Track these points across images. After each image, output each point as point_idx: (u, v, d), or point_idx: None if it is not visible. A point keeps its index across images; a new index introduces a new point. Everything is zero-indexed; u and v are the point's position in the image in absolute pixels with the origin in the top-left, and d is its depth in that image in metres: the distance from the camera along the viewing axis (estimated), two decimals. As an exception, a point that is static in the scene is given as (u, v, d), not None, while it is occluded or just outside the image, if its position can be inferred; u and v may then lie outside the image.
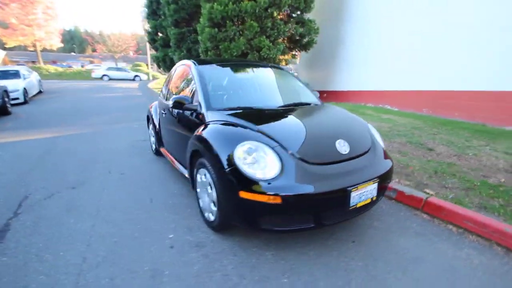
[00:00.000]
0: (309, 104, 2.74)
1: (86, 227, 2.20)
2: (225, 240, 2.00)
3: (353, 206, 1.79)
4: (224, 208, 1.90)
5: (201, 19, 8.62)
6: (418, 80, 6.88)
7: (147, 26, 15.12)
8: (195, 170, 2.27)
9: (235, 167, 1.78)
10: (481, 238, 2.07)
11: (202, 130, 2.19)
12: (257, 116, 2.30)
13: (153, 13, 14.25)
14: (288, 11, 7.79)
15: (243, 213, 1.81)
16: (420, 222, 2.32)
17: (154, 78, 27.44)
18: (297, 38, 8.43)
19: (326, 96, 10.31)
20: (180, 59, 11.61)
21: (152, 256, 1.81)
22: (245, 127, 2.05)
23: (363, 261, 1.80)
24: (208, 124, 2.24)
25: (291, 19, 8.03)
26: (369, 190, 1.85)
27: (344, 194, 1.73)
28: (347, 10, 8.80)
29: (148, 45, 19.37)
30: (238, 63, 3.26)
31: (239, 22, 7.74)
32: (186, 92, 2.95)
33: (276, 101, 2.81)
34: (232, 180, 1.78)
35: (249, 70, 3.09)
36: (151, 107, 4.15)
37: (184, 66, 3.17)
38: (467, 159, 3.49)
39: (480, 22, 5.50)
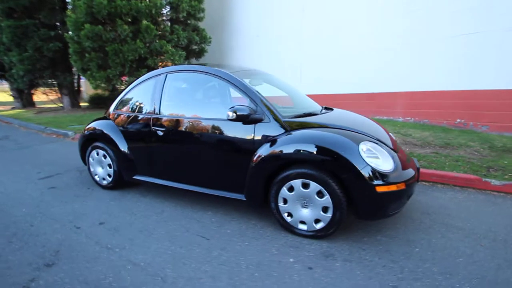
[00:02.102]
0: (322, 107, 2.98)
1: None
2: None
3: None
4: (361, 207, 1.96)
5: (68, 12, 6.68)
6: (324, 85, 8.63)
7: None
8: (276, 183, 2.12)
9: (367, 166, 1.89)
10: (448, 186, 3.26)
11: (293, 139, 2.08)
12: (331, 119, 2.43)
13: None
14: (185, 16, 7.48)
15: (378, 205, 1.95)
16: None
17: None
18: (193, 46, 8.26)
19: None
20: (22, 61, 8.35)
21: None
22: (343, 129, 2.16)
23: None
24: (291, 132, 2.14)
25: (187, 26, 7.77)
26: None
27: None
28: (233, 22, 9.53)
29: None
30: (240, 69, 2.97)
31: (132, 22, 6.68)
32: (207, 104, 2.72)
33: (313, 104, 2.93)
34: (367, 179, 1.87)
35: (261, 75, 3.00)
36: (97, 130, 3.07)
37: (192, 73, 2.68)
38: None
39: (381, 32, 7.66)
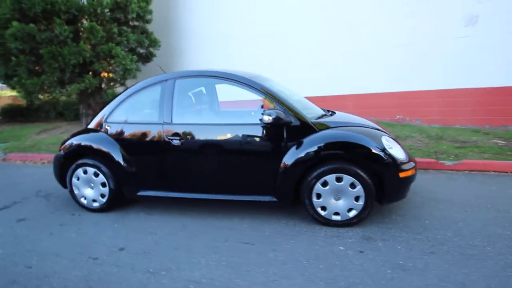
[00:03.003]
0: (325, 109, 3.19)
1: None
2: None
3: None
4: (388, 192, 2.25)
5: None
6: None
7: None
8: (310, 180, 2.25)
9: (391, 156, 2.21)
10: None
11: (326, 138, 2.27)
12: (346, 118, 2.67)
13: None
14: (134, 18, 6.83)
15: (399, 189, 2.28)
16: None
17: None
18: (141, 50, 7.63)
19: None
20: None
21: None
22: (363, 126, 2.44)
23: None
24: (322, 132, 2.31)
25: (135, 29, 7.12)
26: None
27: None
28: (182, 24, 9.16)
29: None
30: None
31: (72, 22, 5.80)
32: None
33: (316, 107, 3.04)
34: (392, 166, 2.19)
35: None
36: (84, 145, 2.67)
37: (205, 78, 2.59)
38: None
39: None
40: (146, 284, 1.77)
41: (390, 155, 2.23)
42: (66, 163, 2.79)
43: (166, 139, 2.50)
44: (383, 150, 2.24)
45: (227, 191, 2.53)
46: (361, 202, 2.27)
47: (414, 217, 2.48)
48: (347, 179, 2.24)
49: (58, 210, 2.93)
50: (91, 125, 2.85)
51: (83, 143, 2.71)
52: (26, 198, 3.30)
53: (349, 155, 2.25)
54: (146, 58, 7.95)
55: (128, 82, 7.62)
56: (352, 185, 2.25)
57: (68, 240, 2.32)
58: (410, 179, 2.33)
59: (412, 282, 1.68)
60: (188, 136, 2.49)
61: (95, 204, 2.79)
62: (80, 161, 2.73)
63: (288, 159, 2.32)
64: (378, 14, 6.00)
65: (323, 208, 2.35)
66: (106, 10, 6.18)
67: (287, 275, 1.79)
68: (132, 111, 2.70)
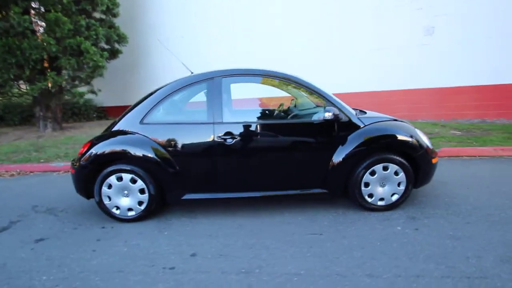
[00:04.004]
0: None
1: None
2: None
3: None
4: (421, 177, 2.57)
5: None
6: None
7: None
8: (360, 170, 2.47)
9: (426, 145, 2.55)
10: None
11: (376, 131, 2.51)
12: (378, 113, 2.90)
13: None
14: (104, 11, 6.09)
15: (431, 173, 2.62)
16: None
17: None
18: (106, 46, 6.90)
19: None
20: None
21: None
22: (397, 120, 2.72)
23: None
24: (370, 127, 2.53)
25: (103, 23, 6.38)
26: None
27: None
28: (150, 20, 8.54)
29: None
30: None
31: (35, 11, 4.97)
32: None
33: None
34: (428, 154, 2.55)
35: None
36: (119, 149, 2.42)
37: (253, 77, 2.59)
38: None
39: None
40: (249, 283, 1.74)
41: (425, 144, 2.59)
42: (93, 172, 2.47)
43: (218, 138, 2.43)
44: (419, 140, 2.58)
45: (278, 187, 2.59)
46: (402, 187, 2.58)
47: (435, 197, 2.90)
48: (392, 167, 2.52)
49: (80, 225, 2.57)
50: (119, 127, 2.57)
51: (117, 148, 2.44)
52: (25, 216, 2.80)
53: (394, 146, 2.53)
54: (112, 55, 7.28)
55: (96, 81, 6.89)
56: (396, 173, 2.55)
57: (122, 254, 2.09)
58: (435, 164, 2.72)
59: (471, 246, 2.02)
60: (240, 135, 2.47)
61: (131, 213, 2.54)
62: (112, 168, 2.45)
63: (340, 153, 2.50)
64: (352, 22, 6.63)
65: (370, 196, 2.59)
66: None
67: (373, 257, 1.96)
68: (174, 111, 2.54)
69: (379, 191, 2.58)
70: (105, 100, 8.90)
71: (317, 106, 3.27)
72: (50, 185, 3.79)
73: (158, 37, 8.45)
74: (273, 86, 3.24)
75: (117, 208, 2.54)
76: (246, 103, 3.65)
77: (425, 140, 2.65)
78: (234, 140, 2.45)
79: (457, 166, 3.99)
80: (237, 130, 2.47)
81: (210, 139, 2.45)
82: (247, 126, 2.48)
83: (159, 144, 2.47)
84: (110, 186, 2.49)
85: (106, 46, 6.95)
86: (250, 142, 2.50)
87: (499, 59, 5.80)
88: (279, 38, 7.21)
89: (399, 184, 2.57)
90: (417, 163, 2.57)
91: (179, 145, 2.48)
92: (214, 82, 2.52)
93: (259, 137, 2.52)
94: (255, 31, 7.40)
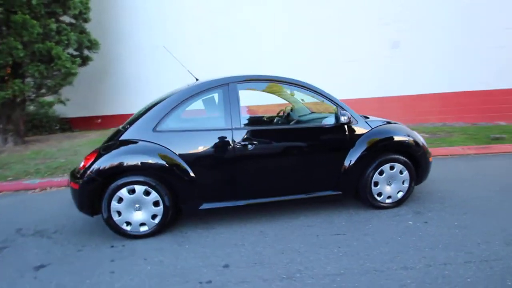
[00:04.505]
0: None
1: None
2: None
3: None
4: (421, 174, 2.80)
5: None
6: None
7: None
8: (370, 171, 2.62)
9: (424, 145, 2.79)
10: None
11: (386, 132, 2.71)
12: (378, 119, 3.03)
13: None
14: (76, 15, 5.59)
15: (428, 170, 2.85)
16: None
17: None
18: (75, 52, 6.37)
19: (102, 121, 8.78)
20: None
21: None
22: (396, 123, 2.93)
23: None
24: (378, 129, 2.72)
25: (73, 27, 5.86)
26: None
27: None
28: (123, 29, 8.09)
29: None
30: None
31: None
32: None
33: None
34: (426, 152, 2.78)
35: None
36: (131, 160, 2.26)
37: (261, 83, 2.61)
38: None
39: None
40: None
41: (424, 144, 2.84)
42: (101, 185, 2.25)
43: (238, 144, 2.40)
44: (418, 140, 2.82)
45: (296, 191, 2.62)
46: (406, 185, 2.78)
47: (428, 193, 3.16)
48: (398, 166, 2.72)
49: (84, 246, 2.31)
50: (128, 137, 2.40)
51: (130, 158, 2.26)
52: (11, 241, 2.43)
53: (400, 147, 2.73)
54: (82, 62, 6.77)
55: (64, 90, 6.32)
56: (400, 172, 2.74)
57: (147, 273, 1.92)
58: (432, 162, 3.00)
59: (477, 233, 2.25)
60: (259, 141, 2.46)
61: (143, 229, 2.36)
62: (123, 180, 2.26)
63: (352, 155, 2.63)
64: (327, 34, 7.06)
65: (379, 194, 2.74)
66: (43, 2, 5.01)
67: (399, 250, 2.08)
68: (188, 117, 2.44)
69: (387, 189, 2.75)
70: (70, 111, 8.17)
71: (313, 112, 3.43)
72: (27, 205, 3.34)
73: (130, 44, 8.11)
74: (276, 92, 3.33)
75: (128, 223, 2.34)
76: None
77: (422, 140, 2.91)
78: (254, 145, 2.44)
79: (435, 165, 4.40)
80: (256, 135, 2.47)
81: (230, 145, 2.41)
82: (265, 132, 2.50)
83: (175, 152, 2.35)
84: (120, 200, 2.29)
85: (75, 53, 6.43)
86: (269, 147, 2.51)
87: (455, 70, 6.62)
88: (259, 44, 7.37)
89: (403, 182, 2.77)
90: (418, 162, 2.80)
91: (197, 153, 2.39)
92: (230, 88, 2.50)
93: (277, 142, 2.54)
94: (234, 38, 7.47)
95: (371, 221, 2.57)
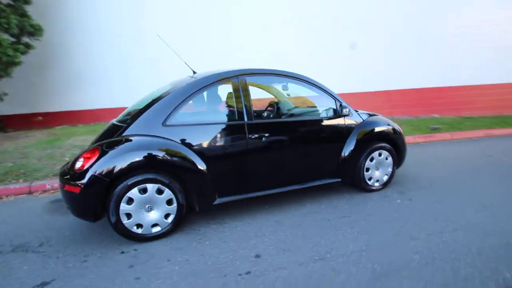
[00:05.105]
0: None
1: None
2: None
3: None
4: (400, 158, 3.19)
5: None
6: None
7: None
8: (363, 158, 2.91)
9: (401, 131, 3.20)
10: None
11: (376, 123, 3.03)
12: (364, 111, 3.32)
13: None
14: None
15: (405, 155, 3.27)
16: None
17: None
18: (14, 39, 5.34)
19: (43, 119, 7.63)
20: None
21: None
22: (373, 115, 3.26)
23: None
24: (368, 120, 3.01)
25: (13, 9, 4.85)
26: None
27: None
28: (65, 15, 7.01)
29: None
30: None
31: None
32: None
33: None
34: (403, 139, 3.18)
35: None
36: (142, 157, 2.08)
37: (269, 77, 2.68)
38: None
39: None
40: (332, 267, 1.84)
41: (401, 131, 3.24)
42: (107, 187, 2.02)
43: (252, 137, 2.40)
44: (398, 128, 3.22)
45: (302, 180, 2.75)
46: (390, 169, 3.15)
47: (403, 176, 3.60)
48: (384, 153, 3.06)
49: (87, 256, 2.05)
50: (132, 132, 2.19)
51: (140, 155, 2.07)
52: (2, 253, 2.01)
53: (386, 136, 3.07)
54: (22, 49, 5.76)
55: (3, 82, 5.30)
56: (386, 158, 3.10)
57: (178, 274, 1.82)
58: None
59: (454, 206, 2.69)
60: (271, 133, 2.51)
61: (156, 230, 2.20)
62: (134, 179, 2.07)
63: (349, 144, 2.87)
64: (289, 37, 7.35)
65: (369, 179, 3.05)
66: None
67: (401, 225, 2.37)
68: (200, 111, 2.34)
69: (376, 174, 3.08)
70: (3, 107, 6.91)
71: (296, 106, 3.61)
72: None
73: (84, 32, 7.20)
74: (262, 86, 3.39)
75: (138, 226, 2.16)
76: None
77: (399, 127, 3.32)
78: (266, 138, 2.47)
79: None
80: (268, 128, 2.51)
81: (244, 138, 2.40)
82: (276, 124, 2.56)
83: (188, 147, 2.25)
84: (130, 201, 2.10)
85: (12, 39, 5.42)
86: (279, 139, 2.58)
87: (403, 70, 7.59)
88: (218, 47, 7.28)
89: (388, 167, 3.14)
90: (398, 147, 3.19)
91: (211, 147, 2.33)
92: (240, 81, 2.48)
93: (287, 134, 2.62)
94: (203, 30, 7.23)
95: (368, 203, 2.85)
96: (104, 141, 2.21)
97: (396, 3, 7.39)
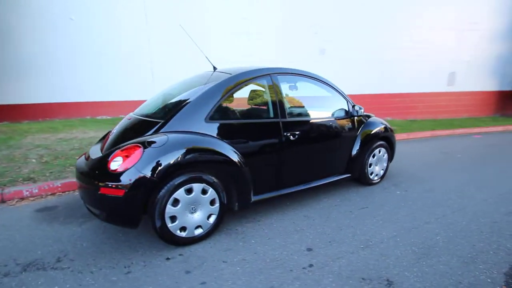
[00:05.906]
0: None
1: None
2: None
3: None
4: (393, 153, 3.56)
5: None
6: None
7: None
8: (367, 155, 3.20)
9: (392, 129, 3.59)
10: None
11: (372, 124, 3.30)
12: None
13: None
14: None
15: (395, 150, 3.69)
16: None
17: None
18: None
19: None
20: None
21: None
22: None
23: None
24: (370, 120, 3.30)
25: None
26: None
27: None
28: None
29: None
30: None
31: None
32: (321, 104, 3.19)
33: None
34: (394, 135, 3.58)
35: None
36: (188, 155, 1.95)
37: (295, 77, 2.76)
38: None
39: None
40: (380, 251, 2.03)
41: (392, 129, 3.66)
42: (153, 189, 1.83)
43: (286, 134, 2.44)
44: (391, 126, 3.63)
45: (323, 176, 2.90)
46: (385, 164, 3.55)
47: (392, 171, 4.08)
48: (383, 150, 3.43)
49: (128, 267, 1.83)
50: (173, 128, 2.03)
51: (188, 153, 1.92)
52: (11, 274, 1.62)
53: (385, 134, 3.44)
54: None
55: None
56: (383, 154, 3.47)
57: (243, 274, 1.78)
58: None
59: (442, 193, 3.17)
60: (301, 131, 2.59)
61: (199, 232, 2.08)
62: (181, 179, 1.92)
63: (358, 142, 3.14)
64: (261, 41, 7.52)
65: (371, 174, 3.39)
66: None
67: (412, 212, 2.71)
68: (237, 109, 2.28)
69: (376, 169, 3.43)
70: None
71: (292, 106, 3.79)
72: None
73: (25, 15, 6.13)
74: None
75: (181, 229, 2.01)
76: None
77: (391, 127, 3.75)
78: (298, 136, 2.55)
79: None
80: (299, 126, 2.60)
81: (280, 136, 2.43)
82: (305, 123, 2.66)
83: (229, 144, 2.18)
84: (176, 203, 1.95)
85: None
86: (308, 137, 2.69)
87: (363, 77, 8.42)
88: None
89: (384, 162, 3.53)
90: (391, 144, 3.61)
91: (251, 145, 2.30)
92: (273, 79, 2.50)
93: (314, 133, 2.75)
94: (171, 18, 6.86)
95: (374, 195, 3.17)
96: (142, 138, 1.99)
97: (360, 14, 8.16)
